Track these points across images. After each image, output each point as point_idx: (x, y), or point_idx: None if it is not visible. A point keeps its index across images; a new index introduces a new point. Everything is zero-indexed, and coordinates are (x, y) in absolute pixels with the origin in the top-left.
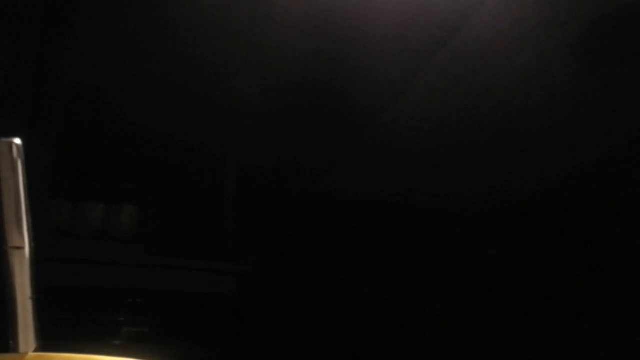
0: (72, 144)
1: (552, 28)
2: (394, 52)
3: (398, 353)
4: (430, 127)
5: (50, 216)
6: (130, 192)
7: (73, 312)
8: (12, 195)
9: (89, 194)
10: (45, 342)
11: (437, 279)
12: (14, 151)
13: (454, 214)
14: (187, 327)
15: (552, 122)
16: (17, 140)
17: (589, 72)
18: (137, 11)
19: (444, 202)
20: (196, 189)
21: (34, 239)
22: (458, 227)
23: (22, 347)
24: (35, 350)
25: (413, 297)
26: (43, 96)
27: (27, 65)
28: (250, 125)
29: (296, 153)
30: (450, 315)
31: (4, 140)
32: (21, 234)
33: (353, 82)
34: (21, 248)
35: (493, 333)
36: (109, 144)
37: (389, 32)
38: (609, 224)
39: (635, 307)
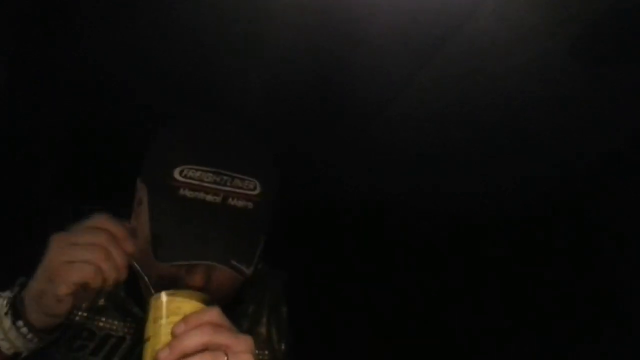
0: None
1: (552, 28)
2: (396, 50)
3: (397, 352)
4: (430, 126)
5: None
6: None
7: None
8: None
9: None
10: None
11: (437, 278)
12: None
13: (454, 214)
14: None
15: (552, 122)
16: None
17: (589, 72)
18: (136, 9)
19: (443, 202)
20: None
21: None
22: (458, 227)
23: None
24: None
25: (412, 296)
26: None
27: (28, 64)
28: (252, 122)
29: (297, 150)
30: (449, 314)
31: None
32: None
33: (353, 80)
34: None
35: (492, 333)
36: (109, 143)
37: (391, 30)
38: (609, 224)
39: (636, 308)
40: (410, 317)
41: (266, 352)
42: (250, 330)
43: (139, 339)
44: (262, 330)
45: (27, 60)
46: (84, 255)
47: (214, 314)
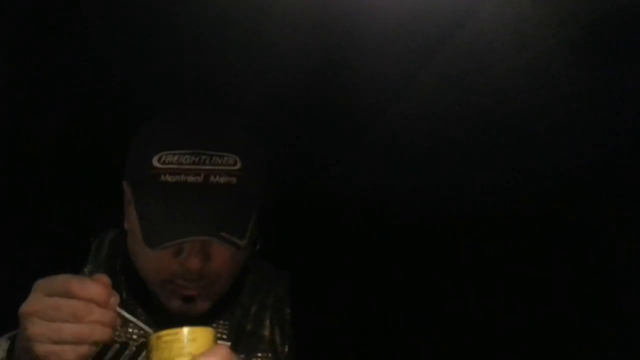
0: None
1: (552, 28)
2: (397, 50)
3: (397, 352)
4: (431, 126)
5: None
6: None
7: None
8: None
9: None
10: None
11: (437, 278)
12: None
13: (454, 214)
14: None
15: (553, 122)
16: None
17: (589, 72)
18: (136, 9)
19: (442, 200)
20: None
21: None
22: (458, 226)
23: None
24: None
25: (412, 296)
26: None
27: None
28: (253, 121)
29: (297, 150)
30: (449, 314)
31: None
32: None
33: (354, 80)
34: None
35: (492, 333)
36: (109, 143)
37: (392, 29)
38: (609, 224)
39: (637, 307)
40: (414, 315)
41: (269, 354)
42: (253, 332)
43: (142, 345)
44: (265, 332)
45: (27, 60)
46: (73, 336)
47: (223, 353)
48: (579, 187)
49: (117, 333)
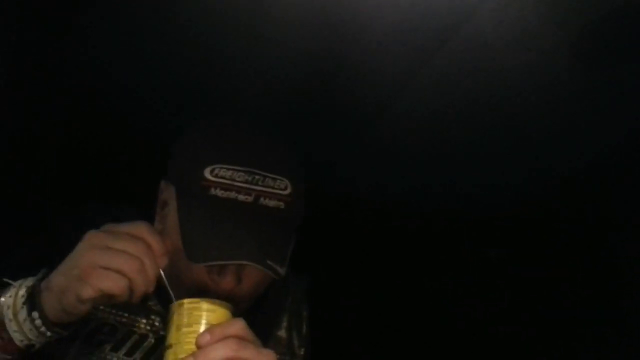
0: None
1: (552, 28)
2: (397, 50)
3: (397, 352)
4: (431, 126)
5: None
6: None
7: None
8: None
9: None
10: None
11: (437, 279)
12: None
13: (453, 214)
14: None
15: (552, 122)
16: None
17: (589, 72)
18: (136, 10)
19: (443, 202)
20: None
21: None
22: (458, 227)
23: None
24: None
25: (412, 297)
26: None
27: (26, 64)
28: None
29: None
30: (449, 315)
31: None
32: None
33: (354, 80)
34: None
35: (493, 334)
36: (109, 145)
37: (392, 29)
38: (609, 224)
39: (639, 309)
40: (418, 317)
41: (286, 356)
42: (270, 334)
43: (161, 338)
44: (283, 334)
45: (27, 61)
46: (119, 265)
47: (239, 326)
48: (580, 188)
49: (136, 324)
